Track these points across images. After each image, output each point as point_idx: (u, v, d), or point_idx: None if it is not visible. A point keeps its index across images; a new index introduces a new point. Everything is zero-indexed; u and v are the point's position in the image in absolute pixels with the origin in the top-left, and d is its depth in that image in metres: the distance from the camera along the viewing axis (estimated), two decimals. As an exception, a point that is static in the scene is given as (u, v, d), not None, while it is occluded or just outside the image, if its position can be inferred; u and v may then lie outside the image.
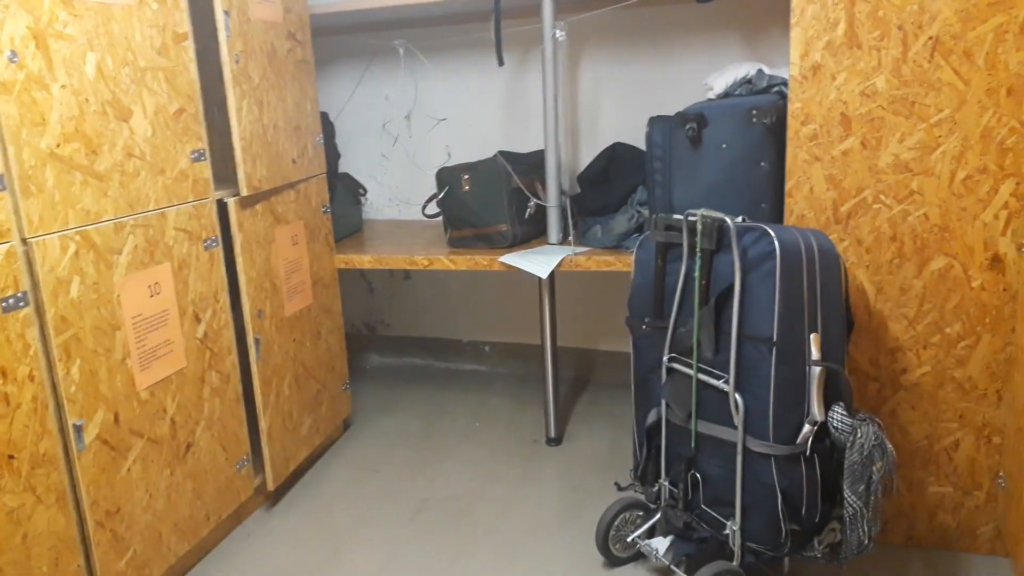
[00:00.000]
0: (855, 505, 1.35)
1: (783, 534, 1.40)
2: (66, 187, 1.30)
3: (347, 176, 2.57)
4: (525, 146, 2.55)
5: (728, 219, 1.41)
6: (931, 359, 1.59)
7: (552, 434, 2.23)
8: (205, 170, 1.63)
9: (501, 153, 2.22)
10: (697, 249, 1.46)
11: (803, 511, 1.39)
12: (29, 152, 1.23)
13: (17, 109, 1.21)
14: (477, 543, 1.77)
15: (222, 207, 1.68)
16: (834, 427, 1.37)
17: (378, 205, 2.80)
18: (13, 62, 1.20)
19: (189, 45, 1.57)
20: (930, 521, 1.67)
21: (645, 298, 1.61)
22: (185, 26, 1.56)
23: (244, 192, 1.67)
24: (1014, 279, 1.50)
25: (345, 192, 2.48)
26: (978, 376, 1.57)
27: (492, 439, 2.28)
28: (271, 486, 1.86)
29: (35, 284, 1.26)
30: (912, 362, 1.60)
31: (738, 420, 1.41)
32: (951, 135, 1.48)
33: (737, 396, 1.41)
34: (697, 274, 1.46)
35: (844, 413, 1.37)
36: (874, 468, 1.34)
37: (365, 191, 2.62)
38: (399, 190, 2.76)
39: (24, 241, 1.25)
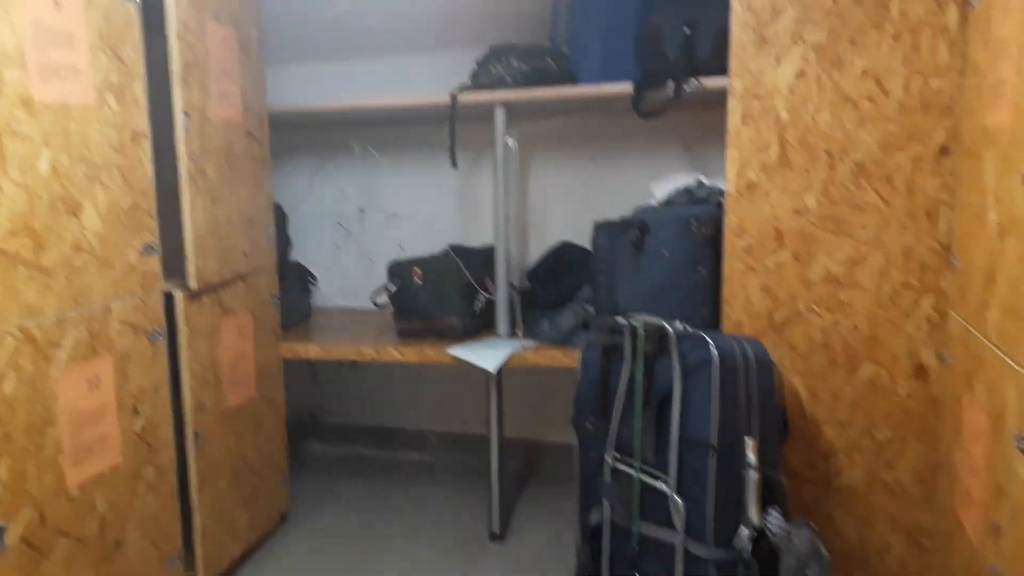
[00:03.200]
0: (792, 611, 1.37)
1: (723, 641, 1.41)
2: (9, 281, 1.29)
3: (298, 264, 2.59)
4: (477, 240, 2.61)
5: (668, 326, 1.46)
6: (863, 463, 1.65)
7: (495, 529, 2.20)
8: (154, 264, 1.63)
9: (452, 248, 2.27)
10: (640, 353, 1.51)
11: (742, 617, 1.40)
12: (-25, 245, 1.22)
13: (-34, 203, 1.21)
14: (416, 648, 1.72)
15: (169, 299, 1.67)
16: (770, 531, 1.40)
17: (327, 293, 2.80)
18: (-34, 157, 1.20)
19: (147, 144, 1.59)
20: (867, 625, 1.70)
21: (590, 398, 1.64)
22: (143, 126, 1.58)
23: (193, 286, 1.67)
24: (937, 389, 1.58)
25: (295, 280, 2.49)
26: (907, 480, 1.63)
27: (433, 535, 2.24)
28: (202, 586, 1.79)
29: (-31, 379, 1.23)
30: (845, 465, 1.66)
31: (678, 521, 1.43)
32: (876, 252, 1.58)
33: (677, 498, 1.43)
34: (640, 377, 1.51)
35: (780, 517, 1.41)
36: (807, 572, 1.37)
37: (315, 279, 2.63)
38: (349, 279, 2.78)
39: (-38, 335, 1.22)
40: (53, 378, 1.38)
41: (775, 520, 1.40)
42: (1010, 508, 1.12)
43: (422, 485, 2.59)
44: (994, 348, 1.22)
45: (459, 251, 2.27)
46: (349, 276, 2.78)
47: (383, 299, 2.33)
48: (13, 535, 1.30)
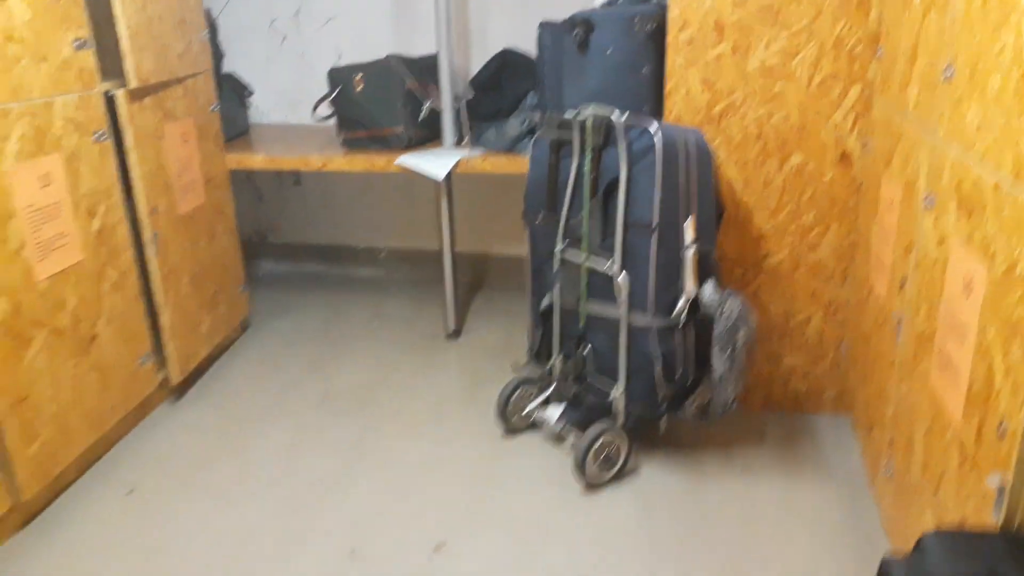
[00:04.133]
0: (720, 368, 1.55)
1: (660, 396, 1.59)
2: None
3: (231, 77, 2.51)
4: (414, 51, 2.56)
5: (616, 115, 1.52)
6: (789, 245, 1.80)
7: (452, 328, 2.34)
8: (89, 59, 1.58)
9: (391, 56, 2.24)
10: (587, 145, 1.58)
11: (677, 376, 1.57)
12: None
13: None
14: (383, 424, 1.88)
15: (110, 102, 1.64)
16: (704, 301, 1.55)
17: (264, 108, 2.75)
18: None
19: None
20: (784, 388, 1.92)
21: (540, 193, 1.72)
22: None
23: (133, 84, 1.64)
24: (859, 173, 1.71)
25: (230, 93, 2.43)
26: (827, 259, 1.79)
27: (391, 336, 2.37)
28: (175, 380, 1.89)
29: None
30: (773, 248, 1.81)
31: (621, 298, 1.57)
32: (810, 42, 1.64)
33: (621, 277, 1.56)
34: (587, 168, 1.58)
35: (713, 288, 1.55)
36: (738, 336, 1.54)
37: (251, 92, 2.56)
38: (286, 93, 2.72)
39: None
40: (5, 172, 1.37)
41: (709, 291, 1.55)
42: (915, 259, 1.27)
43: (376, 296, 2.70)
44: (911, 122, 1.33)
45: (399, 60, 2.24)
46: (287, 90, 2.72)
47: (324, 112, 2.31)
48: (-10, 324, 1.35)
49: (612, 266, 1.57)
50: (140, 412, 1.87)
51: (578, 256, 1.65)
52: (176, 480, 1.68)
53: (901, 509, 1.28)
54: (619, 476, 1.66)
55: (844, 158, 1.71)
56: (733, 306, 1.53)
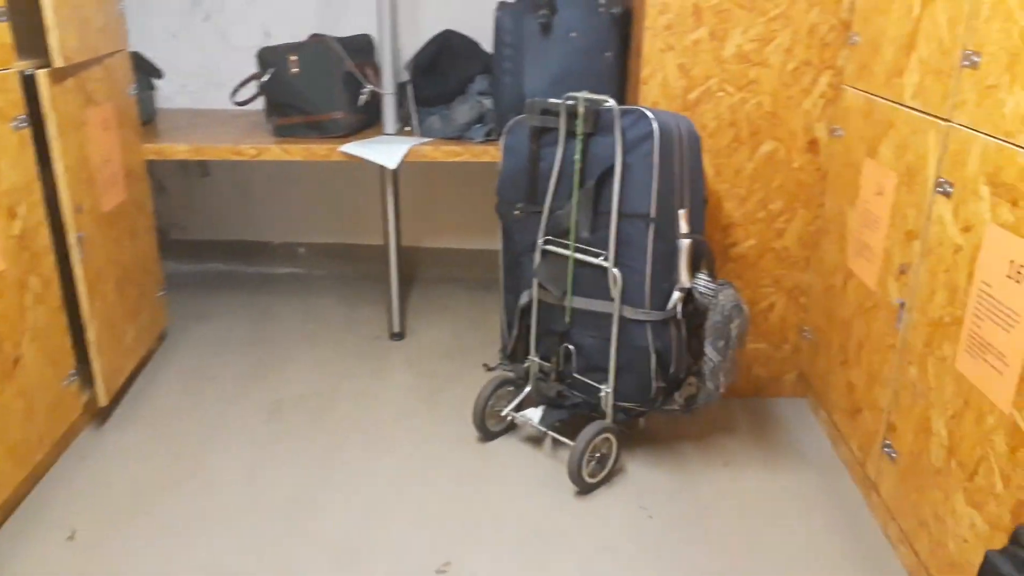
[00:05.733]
0: (715, 359, 1.52)
1: (653, 391, 1.55)
2: None
3: (138, 56, 2.25)
4: (339, 31, 2.39)
5: (611, 101, 1.46)
6: (756, 233, 1.80)
7: (396, 329, 2.21)
8: (4, 33, 1.34)
9: (316, 36, 2.07)
10: (578, 133, 1.50)
11: (671, 368, 1.54)
12: None
13: None
14: (346, 436, 1.74)
15: (30, 83, 1.40)
16: (699, 292, 1.52)
17: (169, 93, 2.49)
18: None
19: None
20: (747, 374, 1.93)
21: (518, 183, 1.63)
22: None
23: (58, 63, 1.40)
24: (825, 160, 1.73)
25: (139, 75, 2.17)
26: (792, 246, 1.81)
27: (332, 339, 2.21)
28: (103, 401, 1.66)
29: None
30: (740, 237, 1.80)
31: (615, 292, 1.51)
32: (785, 29, 1.64)
33: (615, 270, 1.50)
34: (578, 156, 1.51)
35: (708, 279, 1.52)
36: (732, 327, 1.52)
37: (161, 74, 2.31)
38: (195, 76, 2.47)
39: None
40: (-84, 167, 1.13)
41: (703, 282, 1.52)
42: (923, 246, 1.29)
43: (303, 296, 2.51)
44: (909, 109, 1.34)
45: (333, 40, 2.07)
46: (195, 72, 2.47)
47: (246, 95, 2.10)
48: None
49: (605, 259, 1.51)
50: (64, 440, 1.63)
51: (564, 249, 1.57)
52: (122, 516, 1.47)
53: (912, 491, 1.30)
54: (609, 476, 1.61)
55: (812, 145, 1.73)
56: (727, 297, 1.50)
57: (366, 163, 1.94)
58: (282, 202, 2.66)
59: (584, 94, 1.49)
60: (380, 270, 2.52)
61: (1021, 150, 1.01)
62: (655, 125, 1.44)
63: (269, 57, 2.03)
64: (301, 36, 2.14)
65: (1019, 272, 1.01)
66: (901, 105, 1.38)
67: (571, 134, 1.53)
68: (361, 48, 2.21)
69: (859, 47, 1.58)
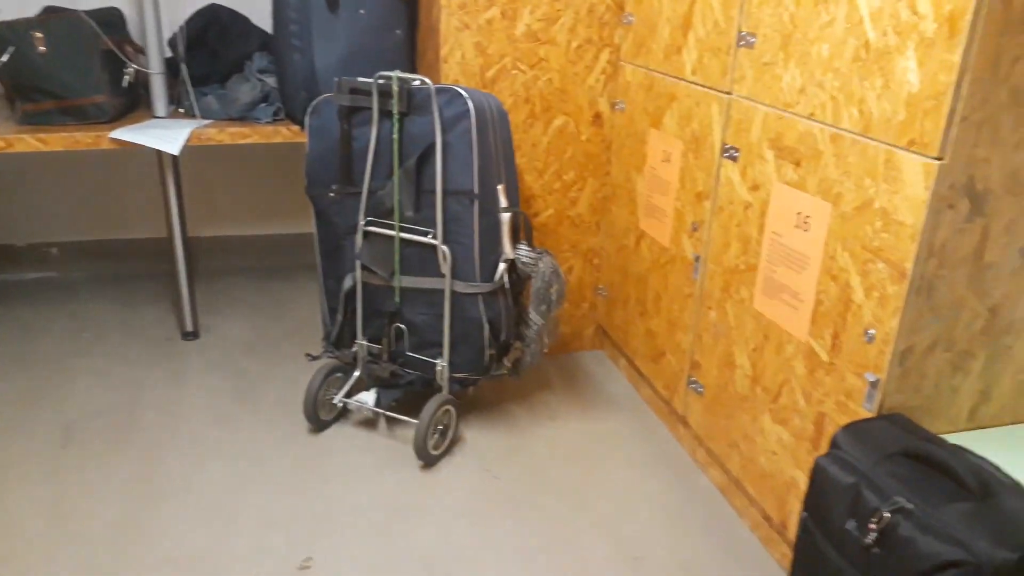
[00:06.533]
0: (538, 322, 1.62)
1: (486, 359, 1.62)
2: None
3: None
4: (79, 4, 2.12)
5: (427, 81, 1.47)
6: (554, 203, 1.93)
7: (189, 328, 2.05)
8: None
9: (50, 8, 1.84)
10: (394, 112, 1.50)
11: (502, 335, 1.61)
12: None
13: None
14: (164, 450, 1.60)
15: None
16: (522, 261, 1.60)
17: None
18: None
19: None
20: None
21: (329, 165, 1.59)
22: None
23: None
24: (609, 132, 1.89)
25: None
26: (585, 213, 1.96)
27: (116, 346, 1.99)
28: None
29: None
30: (541, 206, 1.92)
31: (446, 268, 1.54)
32: (568, 9, 1.76)
33: (444, 247, 1.53)
34: (396, 136, 1.51)
35: (528, 249, 1.61)
36: (552, 290, 1.62)
37: None
38: None
39: None
40: None
41: (524, 251, 1.61)
42: (713, 205, 1.47)
43: (66, 301, 2.23)
44: (690, 84, 1.52)
45: (80, 14, 1.84)
46: None
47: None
48: None
49: (433, 237, 1.53)
50: None
51: (389, 230, 1.57)
52: (-98, 583, 1.24)
53: (721, 419, 1.50)
54: (450, 447, 1.66)
55: (597, 118, 1.88)
56: (547, 264, 1.61)
57: (140, 149, 1.77)
58: (22, 199, 2.32)
59: (397, 73, 1.49)
60: (153, 266, 2.32)
61: (800, 119, 1.20)
62: (471, 104, 1.48)
63: (6, 33, 1.75)
64: (30, 11, 1.88)
65: (806, 221, 1.21)
66: (682, 80, 1.55)
67: (384, 113, 1.52)
68: (112, 23, 1.99)
69: (634, 26, 1.74)
